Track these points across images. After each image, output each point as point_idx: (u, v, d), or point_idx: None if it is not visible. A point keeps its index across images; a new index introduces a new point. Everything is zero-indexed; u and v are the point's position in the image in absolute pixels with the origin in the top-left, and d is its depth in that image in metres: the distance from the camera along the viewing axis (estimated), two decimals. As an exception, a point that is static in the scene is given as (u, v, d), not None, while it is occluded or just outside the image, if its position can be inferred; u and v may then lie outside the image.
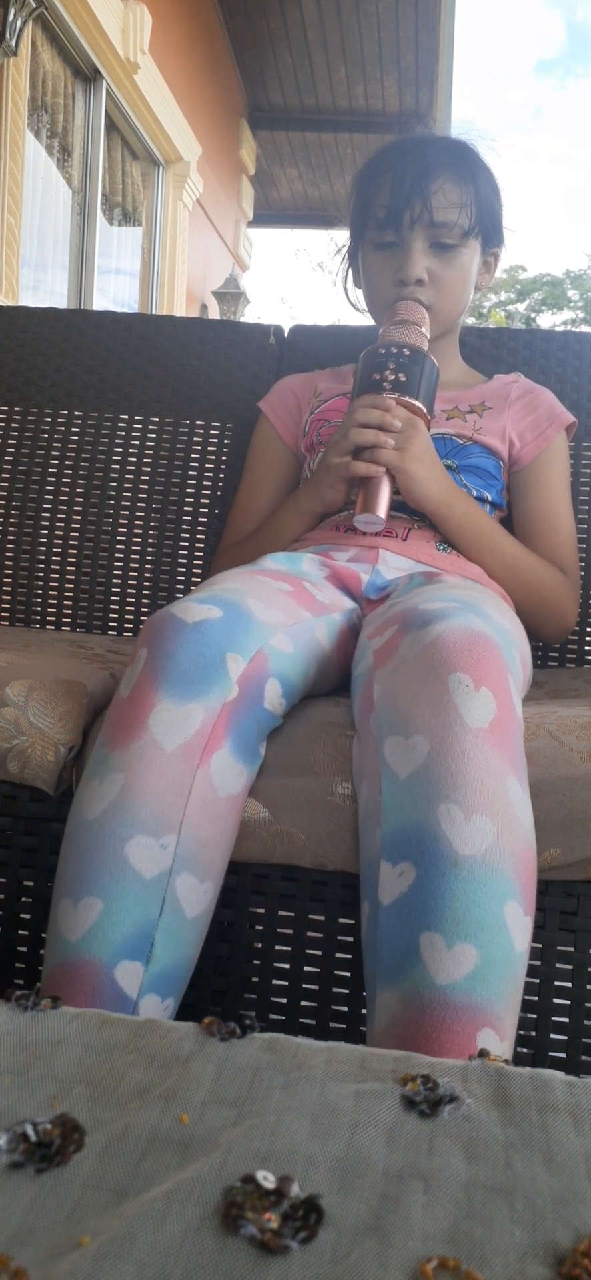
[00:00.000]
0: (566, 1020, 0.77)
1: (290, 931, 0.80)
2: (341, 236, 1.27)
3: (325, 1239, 0.32)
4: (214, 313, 6.34)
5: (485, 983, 0.63)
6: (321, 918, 0.80)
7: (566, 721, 0.80)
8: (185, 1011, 0.73)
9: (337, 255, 1.27)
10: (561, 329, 1.49)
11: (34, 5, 3.31)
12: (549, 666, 1.28)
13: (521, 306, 16.89)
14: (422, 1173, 0.36)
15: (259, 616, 0.79)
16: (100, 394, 1.43)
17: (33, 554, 1.39)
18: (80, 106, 4.43)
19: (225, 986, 0.81)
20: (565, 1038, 0.77)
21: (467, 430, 1.17)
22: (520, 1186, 0.35)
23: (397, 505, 1.08)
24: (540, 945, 0.77)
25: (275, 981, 0.80)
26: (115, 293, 5.05)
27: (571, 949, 0.77)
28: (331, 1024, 0.79)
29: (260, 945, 0.81)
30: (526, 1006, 0.77)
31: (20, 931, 0.85)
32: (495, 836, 0.65)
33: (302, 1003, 0.80)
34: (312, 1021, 0.80)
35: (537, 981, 0.77)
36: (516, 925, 0.65)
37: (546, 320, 16.52)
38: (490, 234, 1.18)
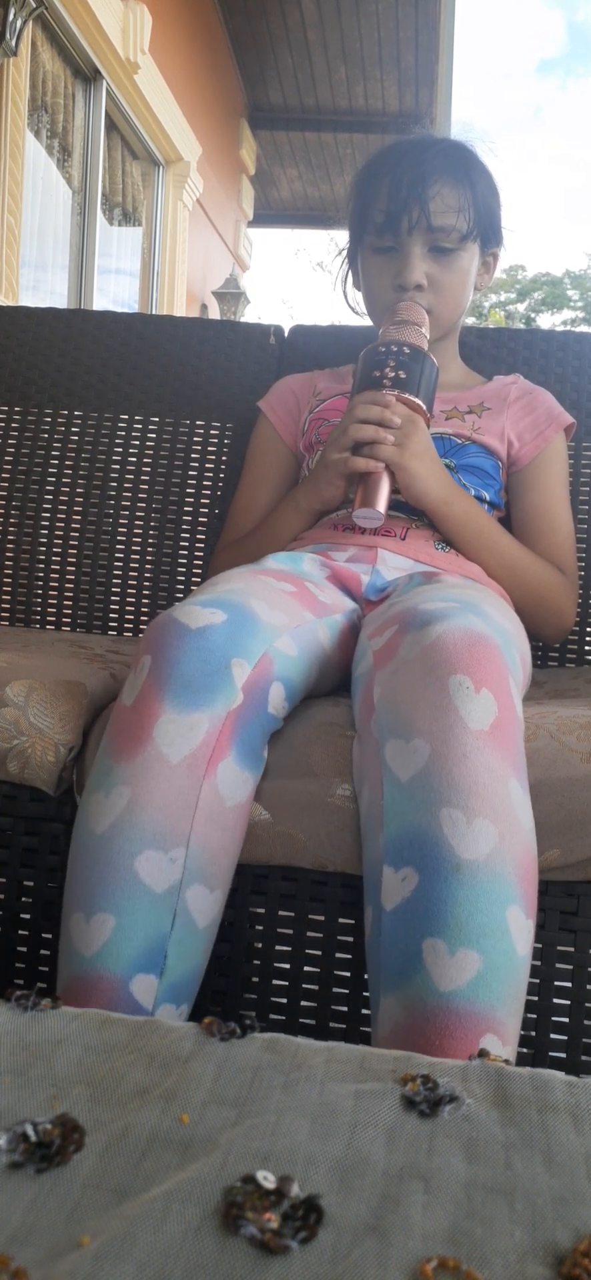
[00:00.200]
0: (566, 1020, 0.77)
1: (290, 932, 0.80)
2: (341, 237, 1.27)
3: (325, 1239, 0.32)
4: (214, 313, 6.34)
5: (488, 988, 0.63)
6: (321, 918, 0.80)
7: (566, 722, 0.80)
8: (185, 1011, 0.73)
9: (338, 257, 1.27)
10: (561, 329, 1.49)
11: (34, 5, 3.31)
12: (549, 666, 1.28)
13: (521, 306, 16.89)
14: (422, 1173, 0.36)
15: (263, 618, 0.78)
16: (100, 394, 1.43)
17: (33, 554, 1.39)
18: (80, 106, 4.43)
19: (225, 986, 0.81)
20: (565, 1038, 0.77)
21: (466, 430, 1.17)
22: (520, 1186, 0.35)
23: (396, 504, 1.08)
24: (540, 946, 0.77)
25: (275, 982, 0.80)
26: (115, 293, 5.05)
27: (571, 949, 0.77)
28: (331, 1024, 0.79)
29: (260, 945, 0.81)
30: (527, 1007, 0.76)
31: (20, 931, 0.85)
32: (497, 840, 0.65)
33: (303, 1003, 0.80)
34: (312, 1022, 0.80)
35: (538, 982, 0.77)
36: (518, 929, 0.65)
37: (546, 320, 16.53)
38: (489, 235, 1.18)
